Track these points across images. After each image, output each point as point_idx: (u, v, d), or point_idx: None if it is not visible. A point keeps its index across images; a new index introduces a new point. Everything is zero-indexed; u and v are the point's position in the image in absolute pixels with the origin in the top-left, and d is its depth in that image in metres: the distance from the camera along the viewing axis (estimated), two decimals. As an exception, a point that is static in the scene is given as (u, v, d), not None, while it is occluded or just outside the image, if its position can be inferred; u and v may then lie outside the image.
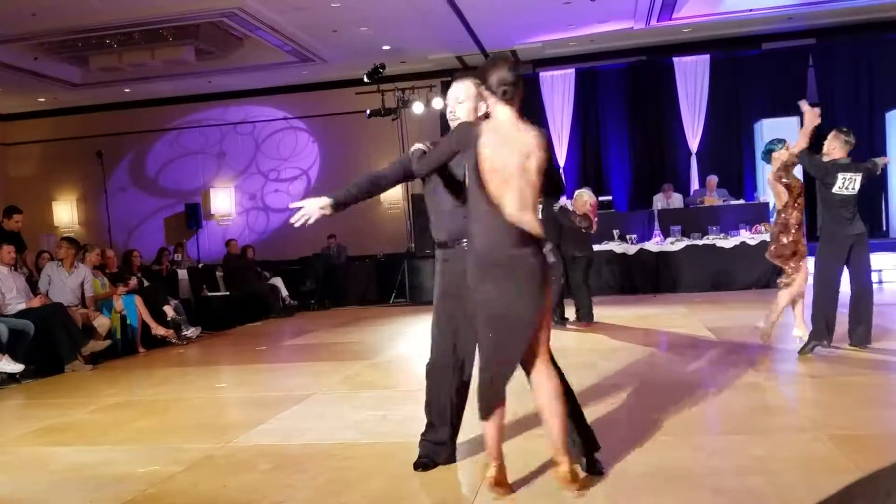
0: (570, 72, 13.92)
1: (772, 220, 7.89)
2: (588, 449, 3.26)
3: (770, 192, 12.30)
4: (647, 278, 11.31)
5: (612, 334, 7.36)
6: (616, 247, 11.48)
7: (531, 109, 13.26)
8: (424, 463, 3.49)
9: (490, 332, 2.98)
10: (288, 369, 6.88)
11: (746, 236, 11.10)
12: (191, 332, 9.06)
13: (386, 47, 12.85)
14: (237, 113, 15.70)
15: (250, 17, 10.96)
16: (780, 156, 5.78)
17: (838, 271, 5.67)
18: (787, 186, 5.73)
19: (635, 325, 7.96)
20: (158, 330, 8.55)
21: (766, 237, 10.95)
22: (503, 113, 3.03)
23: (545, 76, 14.00)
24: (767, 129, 12.10)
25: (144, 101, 15.46)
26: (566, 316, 8.26)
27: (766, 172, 12.07)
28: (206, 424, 4.77)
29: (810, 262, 5.85)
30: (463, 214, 3.20)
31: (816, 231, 6.03)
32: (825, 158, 5.68)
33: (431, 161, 3.22)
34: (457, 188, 3.34)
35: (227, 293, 11.82)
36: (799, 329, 5.89)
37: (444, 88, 13.67)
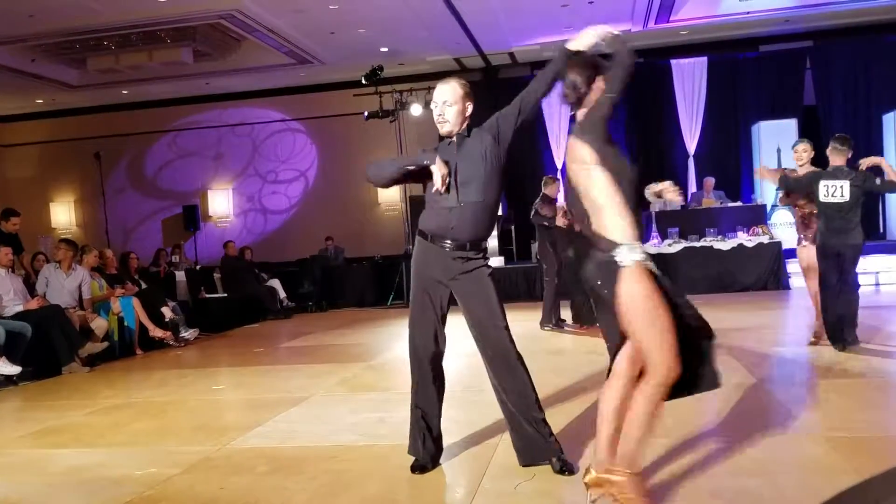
0: (567, 74, 13.91)
1: None
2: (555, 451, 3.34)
3: (765, 193, 12.44)
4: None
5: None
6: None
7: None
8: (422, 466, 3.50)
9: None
10: (285, 371, 6.88)
11: (744, 238, 11.12)
12: (188, 333, 9.06)
13: (384, 49, 12.86)
14: (235, 115, 15.70)
15: (248, 18, 10.97)
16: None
17: (831, 279, 5.70)
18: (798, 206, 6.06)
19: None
20: (156, 332, 8.54)
21: (764, 239, 11.04)
22: None
23: (543, 78, 13.99)
24: (765, 131, 12.14)
25: (142, 103, 15.47)
26: (563, 318, 8.26)
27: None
28: (204, 426, 4.77)
29: None
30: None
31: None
32: (829, 168, 5.76)
33: None
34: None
35: (225, 295, 11.82)
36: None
37: (442, 90, 13.79)
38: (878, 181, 5.66)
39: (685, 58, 13.33)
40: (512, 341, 3.34)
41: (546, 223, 8.06)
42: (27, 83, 13.54)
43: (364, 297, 13.13)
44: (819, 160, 6.05)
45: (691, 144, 13.64)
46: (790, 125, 12.40)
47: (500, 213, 12.00)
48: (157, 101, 15.41)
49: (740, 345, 6.34)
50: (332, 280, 13.33)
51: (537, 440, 3.34)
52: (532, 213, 8.19)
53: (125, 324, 8.38)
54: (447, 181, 3.25)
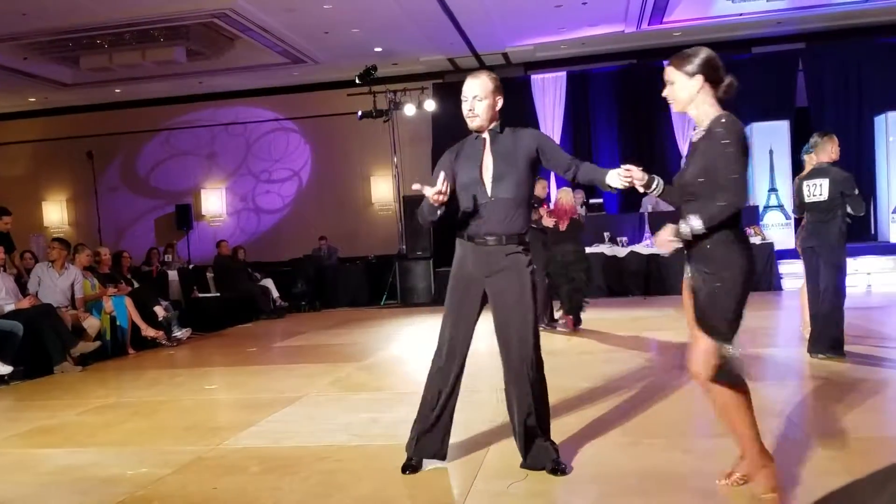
0: (561, 75, 13.96)
1: None
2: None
3: (757, 194, 12.47)
4: (638, 281, 11.35)
5: (601, 338, 7.39)
6: (606, 249, 11.52)
7: (522, 112, 13.30)
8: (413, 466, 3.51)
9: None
10: (278, 371, 6.87)
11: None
12: (181, 333, 9.03)
13: (378, 49, 12.86)
14: (228, 114, 15.67)
15: (241, 17, 10.95)
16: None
17: (813, 280, 5.66)
18: None
19: (626, 327, 7.99)
20: (148, 331, 8.52)
21: (756, 240, 11.06)
22: None
23: (536, 79, 14.03)
24: (757, 132, 12.17)
25: (135, 102, 15.42)
26: (556, 318, 8.28)
27: (756, 175, 12.21)
28: (196, 426, 4.76)
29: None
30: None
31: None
32: (815, 167, 5.75)
33: None
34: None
35: (218, 294, 11.79)
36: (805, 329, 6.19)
37: (436, 90, 13.80)
38: (855, 192, 5.49)
39: (678, 59, 13.34)
40: (534, 350, 3.34)
41: (534, 224, 8.06)
42: (20, 81, 13.49)
43: (357, 296, 13.12)
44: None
45: (684, 146, 13.66)
46: (782, 127, 12.45)
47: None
48: (150, 99, 15.36)
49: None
50: (325, 280, 13.32)
51: (537, 447, 3.36)
52: None
53: (117, 323, 8.35)
54: (440, 198, 3.23)
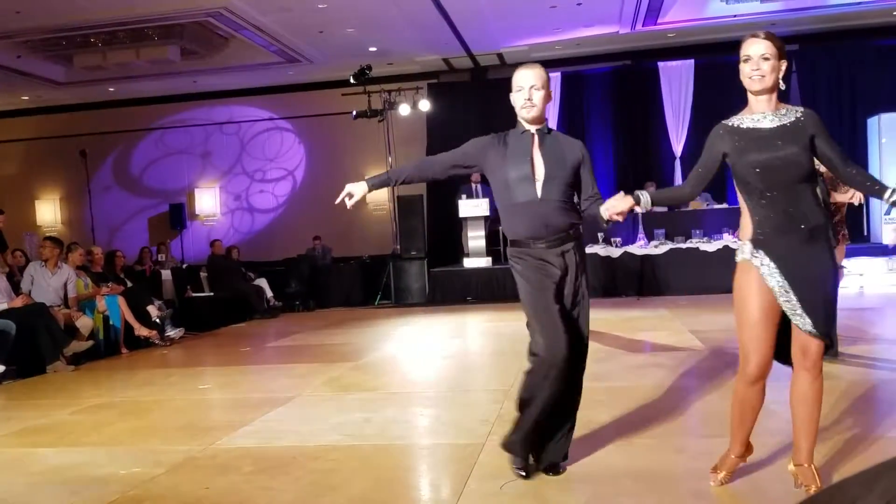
0: (555, 75, 13.96)
1: None
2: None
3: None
4: (631, 282, 11.37)
5: (595, 337, 7.34)
6: (600, 250, 11.53)
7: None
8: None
9: None
10: (272, 371, 6.86)
11: (730, 240, 11.17)
12: (174, 333, 9.01)
13: (372, 49, 12.85)
14: (222, 113, 15.64)
15: (236, 16, 10.93)
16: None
17: None
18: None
19: (619, 328, 8.00)
20: (141, 331, 8.50)
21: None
22: None
23: (531, 79, 14.03)
24: (751, 133, 12.20)
25: (129, 101, 15.37)
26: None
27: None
28: (189, 426, 4.75)
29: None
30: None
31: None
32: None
33: None
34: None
35: (212, 294, 11.78)
36: None
37: (431, 90, 13.82)
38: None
39: (672, 60, 13.39)
40: (578, 356, 3.34)
41: None
42: (13, 80, 13.44)
43: (351, 296, 13.11)
44: None
45: (678, 146, 13.71)
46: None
47: (487, 213, 12.15)
48: (144, 98, 15.32)
49: (725, 346, 6.38)
50: (319, 279, 13.30)
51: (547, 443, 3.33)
52: None
53: (110, 322, 8.33)
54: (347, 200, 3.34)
